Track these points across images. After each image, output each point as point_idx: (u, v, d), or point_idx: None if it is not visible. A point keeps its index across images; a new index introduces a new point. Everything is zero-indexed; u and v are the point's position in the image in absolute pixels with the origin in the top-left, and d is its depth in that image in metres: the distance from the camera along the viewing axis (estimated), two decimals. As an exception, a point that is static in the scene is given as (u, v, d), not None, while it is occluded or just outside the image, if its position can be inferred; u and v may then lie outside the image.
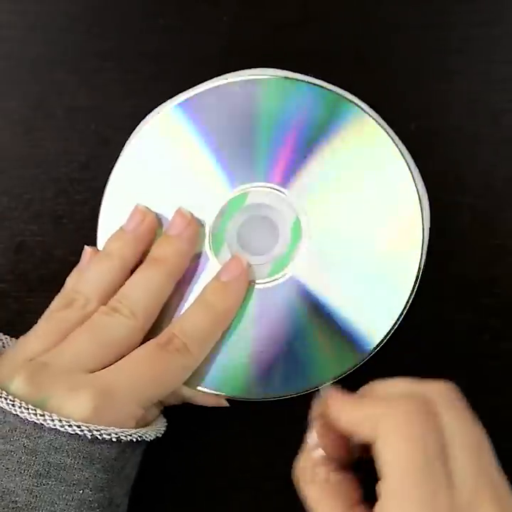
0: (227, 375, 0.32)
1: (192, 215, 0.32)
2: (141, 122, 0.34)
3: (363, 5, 0.36)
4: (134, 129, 0.34)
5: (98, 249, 0.33)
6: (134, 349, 0.29)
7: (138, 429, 0.28)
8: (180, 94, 0.34)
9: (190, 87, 0.34)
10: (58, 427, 0.26)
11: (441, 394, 0.27)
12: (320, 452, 0.28)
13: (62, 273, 0.35)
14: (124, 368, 0.28)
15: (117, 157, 0.34)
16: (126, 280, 0.31)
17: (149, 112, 0.34)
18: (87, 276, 0.31)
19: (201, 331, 0.30)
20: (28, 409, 0.26)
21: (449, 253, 0.35)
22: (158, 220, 0.33)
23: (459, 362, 0.34)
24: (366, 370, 0.32)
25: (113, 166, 0.34)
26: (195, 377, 0.32)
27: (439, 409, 0.26)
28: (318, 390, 0.31)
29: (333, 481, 0.28)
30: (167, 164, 0.33)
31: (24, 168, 0.36)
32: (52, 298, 0.35)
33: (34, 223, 0.35)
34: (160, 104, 0.34)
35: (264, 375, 0.32)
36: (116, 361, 0.29)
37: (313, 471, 0.28)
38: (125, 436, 0.27)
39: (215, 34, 0.36)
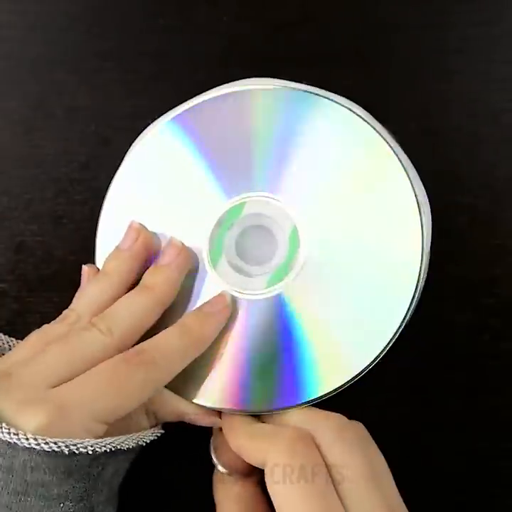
0: (222, 388, 0.32)
1: (183, 244, 0.32)
2: (138, 138, 0.34)
3: (362, 5, 0.36)
4: (133, 129, 0.34)
5: (96, 267, 0.33)
6: None
7: (114, 439, 0.27)
8: (175, 108, 0.34)
9: (189, 88, 0.34)
10: (34, 446, 0.25)
11: (331, 428, 0.28)
12: (220, 467, 0.31)
13: (62, 273, 0.35)
14: (82, 382, 0.28)
15: (117, 157, 0.34)
16: None
17: (150, 113, 0.34)
18: (83, 295, 0.32)
19: (173, 350, 0.30)
20: (1, 427, 0.25)
21: (449, 253, 0.35)
22: (155, 235, 0.33)
23: (459, 362, 0.34)
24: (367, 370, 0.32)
25: (113, 166, 0.34)
26: (191, 389, 0.32)
27: (325, 444, 0.28)
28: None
29: (244, 495, 0.30)
30: (163, 178, 0.33)
31: (24, 168, 0.36)
32: (53, 298, 0.35)
33: (34, 223, 0.35)
34: (160, 104, 0.34)
35: (262, 389, 0.32)
36: None
37: (226, 486, 0.30)
38: (100, 448, 0.27)
39: (215, 34, 0.36)
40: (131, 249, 0.32)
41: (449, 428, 0.34)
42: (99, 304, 0.31)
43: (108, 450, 0.27)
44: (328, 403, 0.32)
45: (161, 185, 0.33)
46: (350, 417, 0.33)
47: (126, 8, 0.36)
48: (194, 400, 0.32)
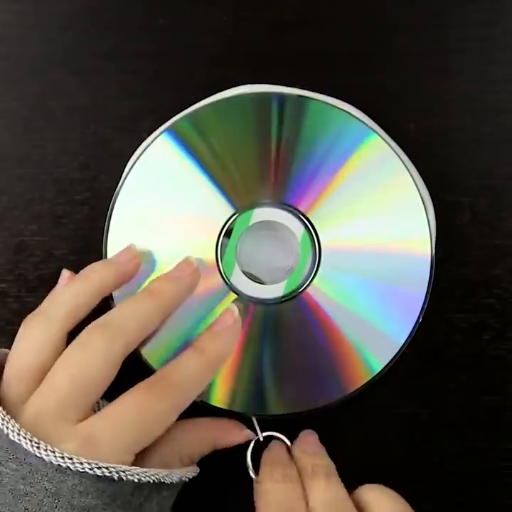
0: (249, 393, 0.32)
1: (198, 266, 0.32)
2: (144, 142, 0.34)
3: (362, 5, 0.36)
4: (134, 130, 0.34)
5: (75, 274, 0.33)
6: (113, 376, 0.28)
7: (159, 471, 0.28)
8: (178, 115, 0.34)
9: (189, 88, 0.34)
10: (87, 470, 0.26)
11: None
12: None
13: (62, 273, 0.35)
14: (109, 415, 0.28)
15: (117, 157, 0.34)
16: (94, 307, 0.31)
17: (150, 113, 0.34)
18: (58, 294, 0.31)
19: (192, 373, 0.30)
20: (54, 452, 0.26)
21: (449, 253, 0.35)
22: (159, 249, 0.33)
23: (459, 362, 0.34)
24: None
25: (113, 166, 0.34)
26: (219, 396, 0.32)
27: None
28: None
29: None
30: (170, 186, 0.33)
31: (24, 168, 0.36)
32: (52, 298, 0.35)
33: (34, 223, 0.35)
34: (159, 104, 0.34)
35: (286, 391, 0.32)
36: (99, 397, 0.28)
37: None
38: (145, 477, 0.27)
39: (214, 34, 0.36)
40: (122, 267, 0.32)
41: (449, 428, 0.34)
42: (72, 308, 0.30)
43: (152, 481, 0.27)
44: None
45: (168, 193, 0.33)
46: (350, 417, 0.34)
47: (126, 8, 0.36)
48: (225, 407, 0.32)
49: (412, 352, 0.34)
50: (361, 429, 0.34)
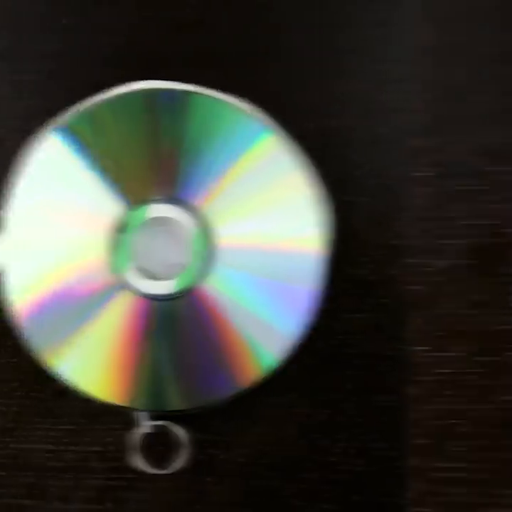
0: (146, 389, 0.32)
1: None
2: (30, 144, 0.34)
3: (254, 5, 0.36)
4: (27, 130, 0.34)
5: None
6: None
7: None
8: (67, 113, 0.33)
9: (83, 89, 0.34)
10: None
11: None
12: None
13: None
14: None
15: (11, 157, 0.34)
16: None
17: (45, 113, 0.34)
18: None
19: None
20: None
21: (344, 253, 0.34)
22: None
23: (357, 362, 0.34)
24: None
25: (4, 166, 0.34)
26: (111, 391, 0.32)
27: None
28: None
29: None
30: (62, 185, 0.33)
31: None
32: None
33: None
34: (54, 104, 0.34)
35: (181, 387, 0.32)
36: None
37: None
38: None
39: (113, 34, 0.36)
40: None
41: (346, 428, 0.34)
42: None
43: None
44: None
45: (60, 192, 0.33)
46: (249, 417, 0.34)
47: (22, 7, 0.36)
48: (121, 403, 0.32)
49: (309, 353, 0.34)
50: (259, 429, 0.34)
